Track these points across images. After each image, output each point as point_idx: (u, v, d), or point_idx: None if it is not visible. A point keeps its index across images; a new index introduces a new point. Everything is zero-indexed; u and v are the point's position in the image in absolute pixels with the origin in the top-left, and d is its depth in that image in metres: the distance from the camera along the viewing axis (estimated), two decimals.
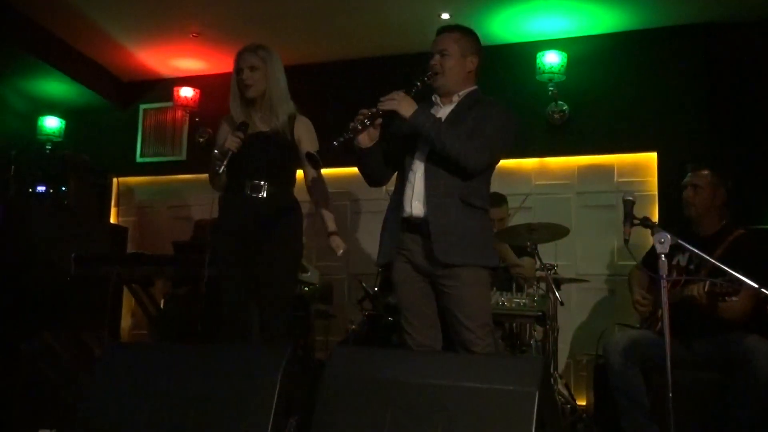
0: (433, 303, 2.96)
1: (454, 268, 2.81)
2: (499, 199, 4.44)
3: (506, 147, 2.97)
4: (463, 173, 2.83)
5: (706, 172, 3.66)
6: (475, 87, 3.03)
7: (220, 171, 3.18)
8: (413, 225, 2.88)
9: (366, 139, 2.92)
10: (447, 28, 3.05)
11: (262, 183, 3.30)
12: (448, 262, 2.80)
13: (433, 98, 3.06)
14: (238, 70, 3.35)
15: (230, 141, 3.21)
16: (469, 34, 3.04)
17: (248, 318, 3.32)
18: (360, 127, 2.85)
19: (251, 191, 3.30)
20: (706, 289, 3.23)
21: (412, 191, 2.88)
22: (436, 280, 2.88)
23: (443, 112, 2.98)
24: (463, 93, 2.99)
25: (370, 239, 5.36)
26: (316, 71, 5.78)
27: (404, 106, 2.81)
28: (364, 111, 2.86)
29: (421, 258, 2.88)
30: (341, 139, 2.82)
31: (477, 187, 2.90)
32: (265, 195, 3.30)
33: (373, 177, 3.12)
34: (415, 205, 2.87)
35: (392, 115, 2.86)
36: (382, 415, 1.92)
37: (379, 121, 2.89)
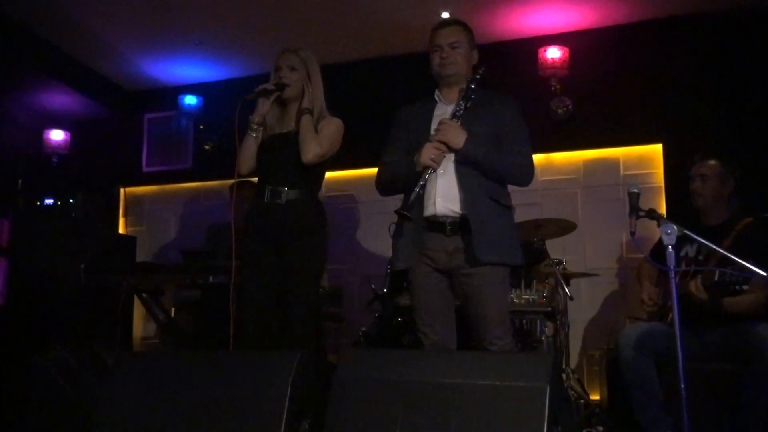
0: (451, 302, 2.93)
1: (482, 266, 2.78)
2: None
3: None
4: None
5: (713, 162, 3.63)
6: None
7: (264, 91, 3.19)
8: (436, 224, 2.84)
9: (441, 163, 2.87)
10: (451, 22, 3.08)
11: (281, 189, 3.23)
12: (485, 260, 2.76)
13: (437, 97, 3.05)
14: (277, 68, 3.33)
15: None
16: (469, 28, 3.06)
17: (269, 324, 3.24)
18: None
19: (271, 197, 3.24)
20: (703, 283, 3.23)
21: (435, 191, 2.83)
22: (459, 278, 2.84)
23: (447, 110, 2.95)
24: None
25: (379, 241, 5.35)
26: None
27: (452, 137, 2.80)
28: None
29: (445, 257, 2.84)
30: (418, 190, 2.77)
31: (503, 186, 2.93)
32: (284, 201, 3.23)
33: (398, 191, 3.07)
34: (439, 202, 2.82)
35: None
36: (394, 416, 1.93)
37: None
